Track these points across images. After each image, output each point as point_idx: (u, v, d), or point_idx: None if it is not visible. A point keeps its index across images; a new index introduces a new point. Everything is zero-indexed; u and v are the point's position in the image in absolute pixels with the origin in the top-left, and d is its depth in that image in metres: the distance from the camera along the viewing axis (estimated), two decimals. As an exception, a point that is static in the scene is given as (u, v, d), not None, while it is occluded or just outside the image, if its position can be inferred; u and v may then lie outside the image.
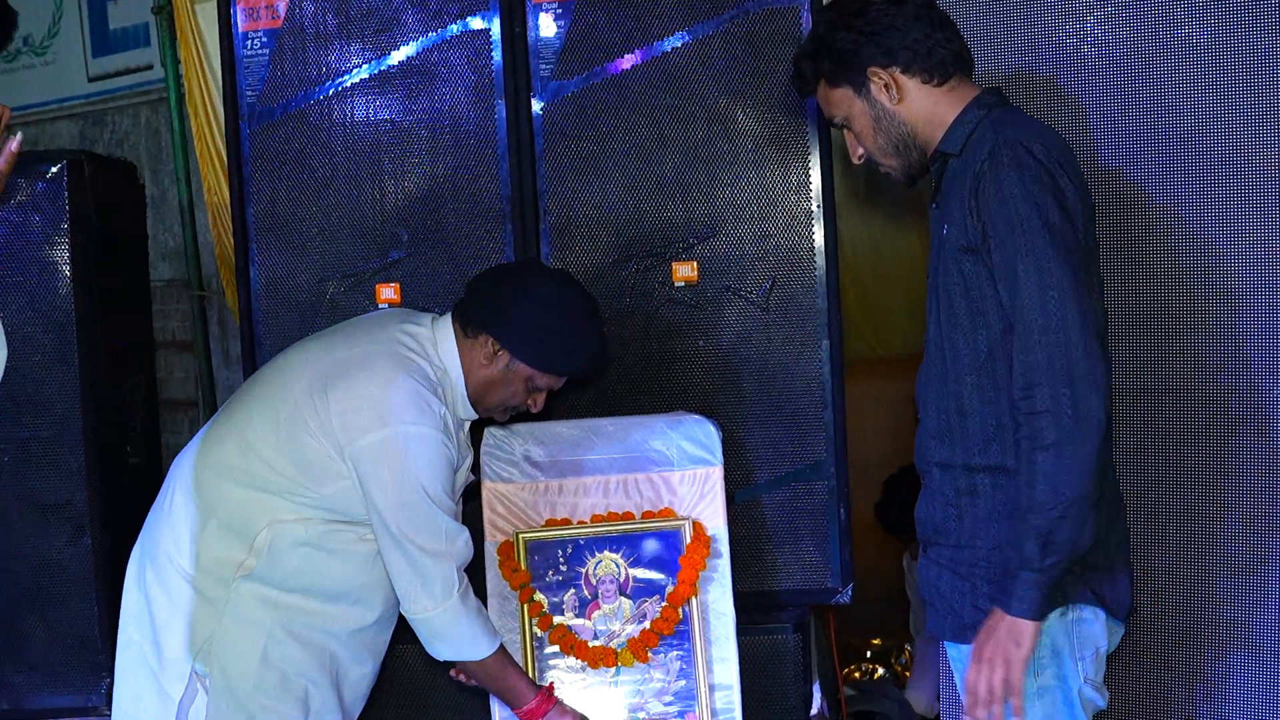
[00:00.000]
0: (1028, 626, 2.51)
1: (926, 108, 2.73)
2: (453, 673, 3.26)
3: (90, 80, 7.17)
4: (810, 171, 3.55)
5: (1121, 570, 2.68)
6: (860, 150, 2.83)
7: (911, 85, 2.73)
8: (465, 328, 3.21)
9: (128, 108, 7.11)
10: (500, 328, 3.17)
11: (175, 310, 6.71)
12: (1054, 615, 2.60)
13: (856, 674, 4.99)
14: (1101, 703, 2.71)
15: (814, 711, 3.60)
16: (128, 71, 6.99)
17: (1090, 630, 2.64)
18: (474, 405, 3.23)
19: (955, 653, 2.75)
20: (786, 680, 3.54)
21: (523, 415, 3.38)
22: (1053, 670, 2.61)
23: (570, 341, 3.22)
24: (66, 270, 3.93)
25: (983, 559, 2.65)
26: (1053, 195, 2.51)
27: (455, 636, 3.12)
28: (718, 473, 3.44)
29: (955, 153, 2.67)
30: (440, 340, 3.21)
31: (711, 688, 3.36)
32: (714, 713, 3.35)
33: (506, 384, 3.22)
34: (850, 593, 3.65)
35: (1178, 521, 3.27)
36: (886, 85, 2.73)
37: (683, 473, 3.46)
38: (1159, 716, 3.25)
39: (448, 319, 3.25)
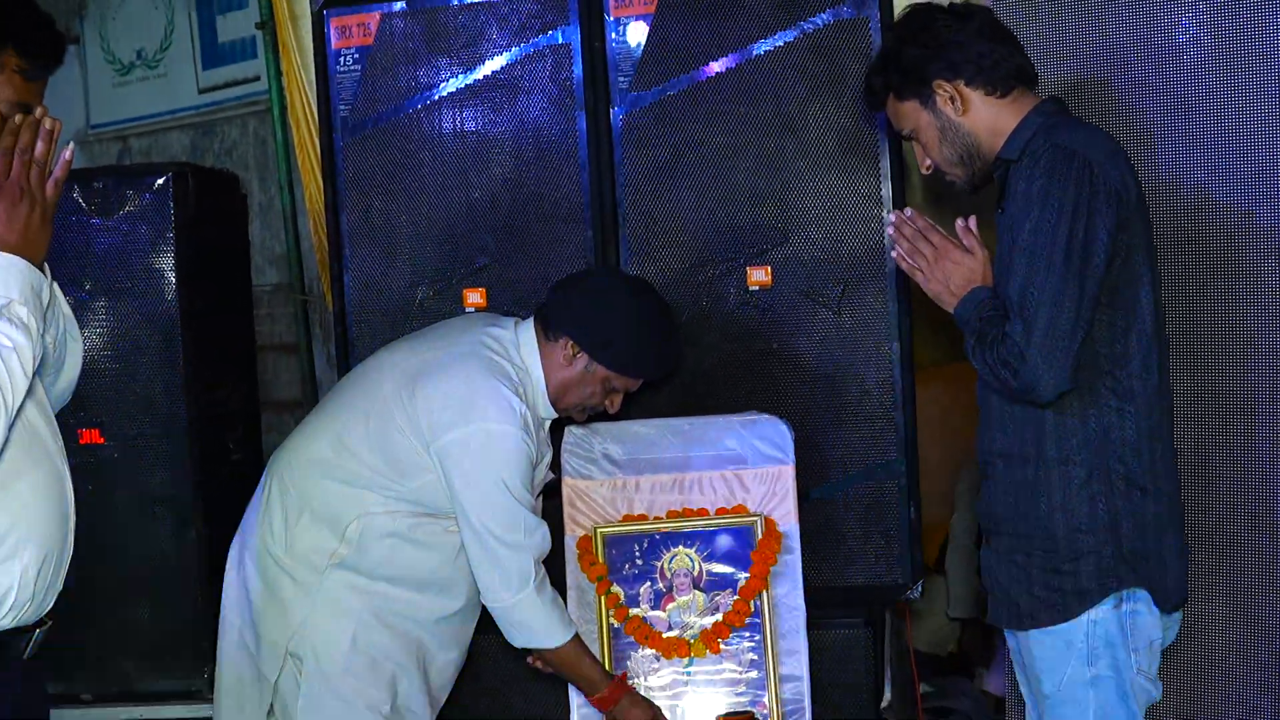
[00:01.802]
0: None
1: (989, 118, 2.83)
2: (530, 659, 3.37)
3: (200, 92, 7.28)
4: (880, 178, 3.62)
5: (1173, 563, 2.75)
6: (928, 161, 2.93)
7: (975, 97, 2.83)
8: (546, 331, 3.34)
9: (236, 118, 7.21)
10: (579, 331, 3.30)
11: (283, 314, 6.82)
12: (1108, 606, 2.69)
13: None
14: (1155, 694, 2.79)
15: (884, 704, 3.68)
16: (236, 83, 7.09)
17: (1144, 622, 2.72)
18: (553, 404, 3.36)
19: (1014, 641, 2.85)
20: (857, 673, 3.61)
21: (601, 415, 3.50)
22: (1107, 660, 2.70)
23: (645, 345, 3.34)
24: (171, 277, 4.10)
25: (1038, 548, 2.73)
26: (1075, 207, 2.62)
27: (531, 625, 3.25)
28: (790, 471, 3.53)
29: (1015, 158, 2.77)
30: (523, 342, 3.35)
31: (781, 679, 3.45)
32: (783, 703, 3.44)
33: (584, 384, 3.34)
34: (920, 589, 3.72)
35: (1238, 519, 3.31)
36: (951, 98, 2.83)
37: (756, 471, 3.54)
38: (1216, 710, 3.31)
39: (530, 322, 3.38)
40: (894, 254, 2.91)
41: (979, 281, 2.79)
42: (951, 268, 2.81)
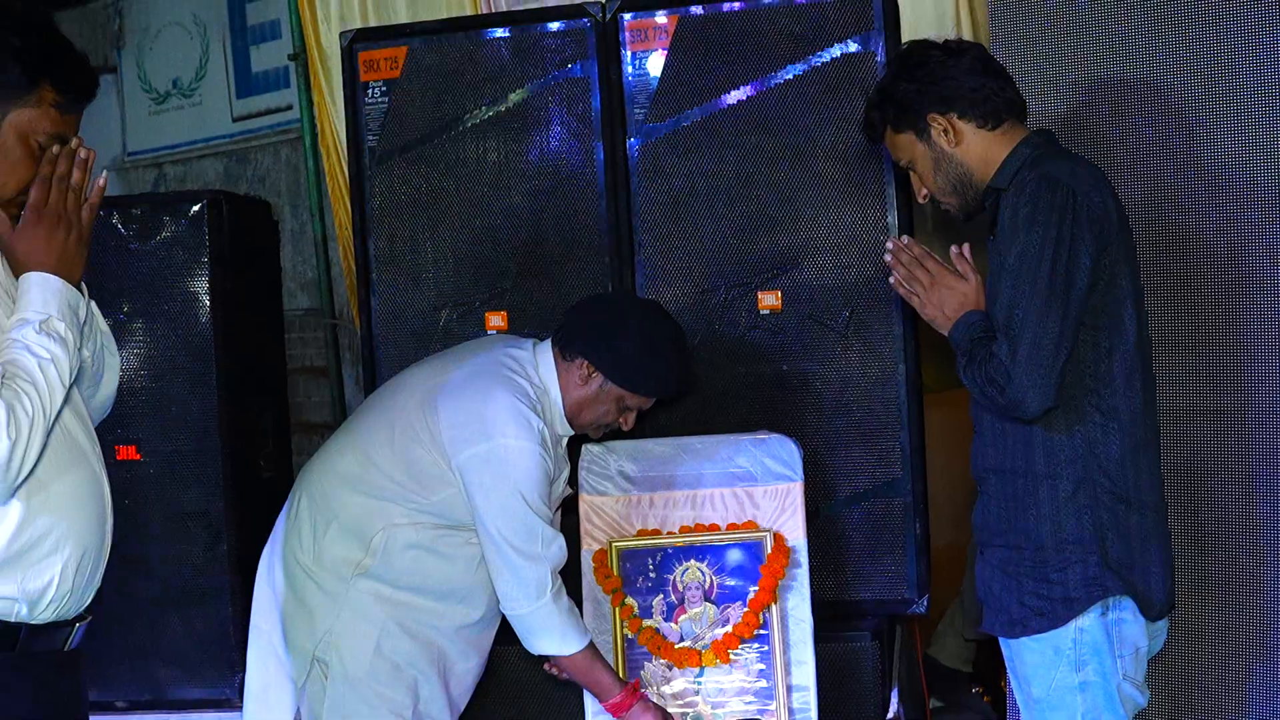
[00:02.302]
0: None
1: (981, 149, 2.96)
2: (547, 666, 3.48)
3: (234, 120, 7.37)
4: (886, 206, 3.71)
5: (1158, 572, 2.86)
6: (924, 190, 3.07)
7: (967, 129, 2.97)
8: (564, 351, 3.46)
9: (269, 146, 7.27)
10: (595, 352, 3.42)
11: (314, 338, 6.90)
12: (1095, 614, 2.80)
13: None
14: (1142, 700, 2.89)
15: (890, 715, 3.76)
16: (268, 112, 7.18)
17: (1129, 630, 2.83)
18: (570, 422, 3.47)
19: (1007, 649, 2.95)
20: (864, 685, 3.69)
21: (616, 433, 3.61)
22: (1094, 666, 2.81)
23: (657, 366, 3.46)
24: (206, 301, 4.24)
25: (1028, 559, 2.85)
26: (1058, 233, 2.74)
27: (548, 632, 3.35)
28: (798, 488, 3.62)
29: (1004, 187, 2.90)
30: (541, 362, 3.46)
31: (790, 688, 3.54)
32: (791, 711, 3.53)
33: (599, 403, 3.46)
34: (926, 603, 3.80)
35: (1227, 529, 3.42)
36: (945, 130, 2.97)
37: (766, 488, 3.63)
38: (1204, 717, 3.40)
39: (548, 344, 3.50)
40: (891, 280, 3.04)
41: (972, 305, 2.91)
42: (946, 293, 2.94)
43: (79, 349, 2.46)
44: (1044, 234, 2.74)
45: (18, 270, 2.45)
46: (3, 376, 2.32)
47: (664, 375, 3.49)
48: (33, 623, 2.41)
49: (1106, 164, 3.24)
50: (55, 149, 2.47)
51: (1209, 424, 3.42)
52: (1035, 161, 2.87)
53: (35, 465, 2.36)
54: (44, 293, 2.41)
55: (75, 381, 2.49)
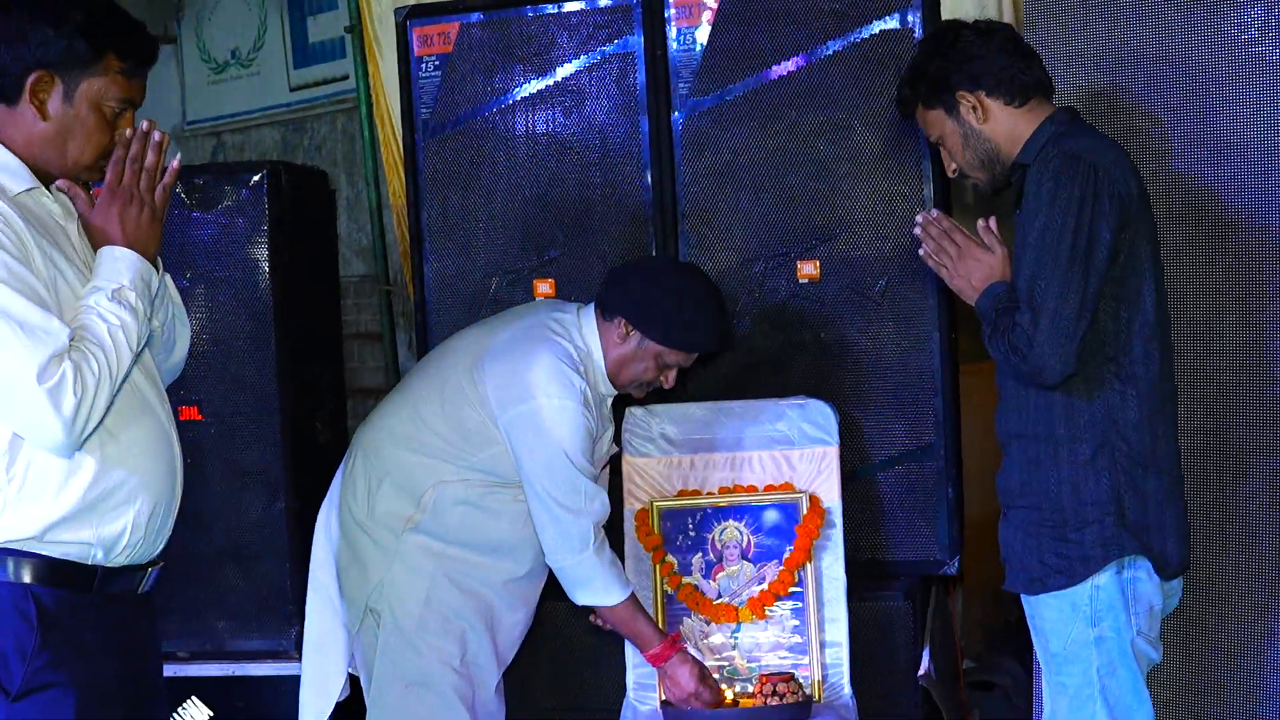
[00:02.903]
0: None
1: (1008, 126, 3.06)
2: (591, 617, 3.62)
3: (291, 90, 7.40)
4: (922, 180, 3.80)
5: (1173, 533, 2.96)
6: (953, 165, 3.17)
7: (995, 106, 3.06)
8: (604, 312, 3.57)
9: (325, 115, 7.30)
10: (631, 309, 3.52)
11: (368, 304, 6.97)
12: (1110, 572, 2.91)
13: None
14: (1156, 656, 3.00)
15: (921, 672, 3.86)
16: (325, 82, 7.20)
17: (1144, 589, 2.94)
18: (612, 381, 3.58)
19: (1028, 606, 3.06)
20: (896, 643, 3.80)
21: (659, 394, 3.72)
22: (1109, 622, 2.91)
23: (691, 320, 3.53)
24: (265, 267, 4.32)
25: (1048, 519, 2.95)
26: (1080, 207, 2.83)
27: (591, 584, 3.48)
28: (834, 452, 3.74)
29: (1030, 163, 3.00)
30: (584, 325, 3.58)
31: (823, 645, 3.66)
32: (824, 666, 3.65)
33: (638, 360, 3.56)
34: (957, 564, 3.89)
35: (1241, 494, 3.51)
36: (974, 107, 3.06)
37: (802, 451, 3.76)
38: (1217, 674, 3.50)
39: (590, 307, 3.61)
40: (921, 252, 3.14)
41: (998, 276, 3.01)
42: (973, 265, 3.04)
43: (149, 318, 2.61)
44: (1066, 208, 2.84)
45: (95, 245, 2.61)
46: (73, 339, 2.47)
47: (697, 330, 3.56)
48: (109, 566, 2.57)
49: (1138, 143, 3.33)
50: (128, 132, 2.62)
51: (1234, 394, 3.50)
52: (1059, 138, 2.96)
53: (100, 423, 2.50)
54: (117, 265, 2.57)
55: (147, 347, 2.65)
